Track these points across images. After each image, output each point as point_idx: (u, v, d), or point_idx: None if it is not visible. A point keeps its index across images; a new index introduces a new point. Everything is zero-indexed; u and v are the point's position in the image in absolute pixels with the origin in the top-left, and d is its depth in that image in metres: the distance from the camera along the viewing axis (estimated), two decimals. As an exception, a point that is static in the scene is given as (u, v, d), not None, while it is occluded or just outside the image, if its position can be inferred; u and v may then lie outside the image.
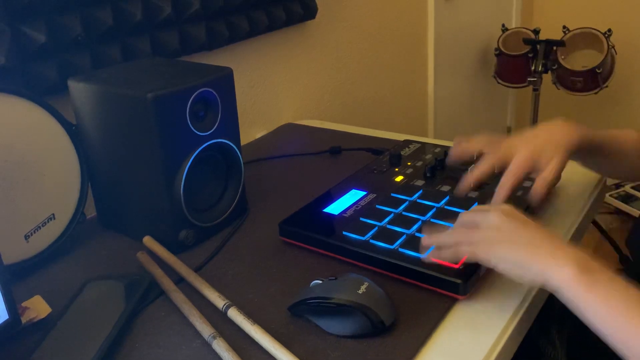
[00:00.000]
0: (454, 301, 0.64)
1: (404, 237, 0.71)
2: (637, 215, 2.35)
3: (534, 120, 2.29)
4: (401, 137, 1.12)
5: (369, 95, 1.65)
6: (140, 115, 0.71)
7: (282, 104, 1.34)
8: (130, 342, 0.62)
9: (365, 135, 1.17)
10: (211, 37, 1.09)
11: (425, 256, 0.65)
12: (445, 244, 0.63)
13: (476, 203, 0.77)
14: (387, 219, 0.75)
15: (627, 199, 2.36)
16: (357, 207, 0.80)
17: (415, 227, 0.73)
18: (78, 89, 0.78)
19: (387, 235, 0.71)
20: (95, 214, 0.88)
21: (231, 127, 0.81)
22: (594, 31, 2.15)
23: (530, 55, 2.18)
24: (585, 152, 0.75)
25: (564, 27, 2.20)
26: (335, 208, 0.80)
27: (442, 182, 0.85)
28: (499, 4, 2.42)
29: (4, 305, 0.60)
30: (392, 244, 0.70)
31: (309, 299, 0.62)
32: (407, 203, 0.80)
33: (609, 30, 2.14)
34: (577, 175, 0.90)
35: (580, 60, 2.19)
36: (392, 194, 0.82)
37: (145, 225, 0.79)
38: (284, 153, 1.09)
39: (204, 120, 0.77)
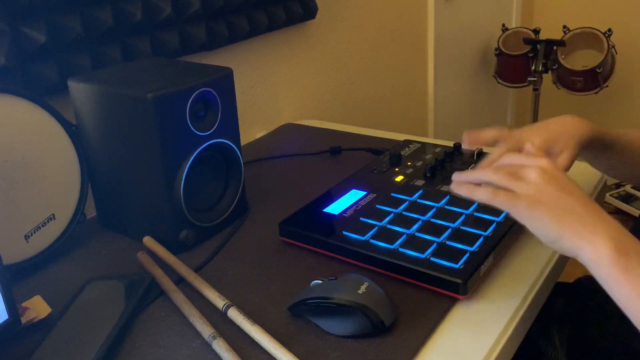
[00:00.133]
0: (454, 301, 0.64)
1: (404, 237, 0.71)
2: (637, 215, 2.35)
3: (534, 120, 2.28)
4: (401, 137, 1.12)
5: (369, 95, 1.65)
6: (140, 115, 0.71)
7: (282, 104, 1.34)
8: (131, 342, 0.62)
9: (365, 135, 1.17)
10: (211, 37, 1.09)
11: (457, 185, 0.61)
12: (485, 180, 0.59)
13: (476, 204, 0.77)
14: (387, 219, 0.75)
15: (627, 198, 2.36)
16: (357, 207, 0.80)
17: (415, 227, 0.73)
18: (78, 89, 0.78)
19: (387, 235, 0.71)
20: (95, 214, 0.88)
21: (231, 127, 0.81)
22: (594, 31, 2.15)
23: (530, 55, 2.17)
24: (595, 148, 0.74)
25: (564, 26, 2.20)
26: (335, 208, 0.80)
27: (442, 182, 0.85)
28: (499, 4, 2.42)
29: (4, 306, 0.60)
30: (392, 244, 0.70)
31: (309, 299, 0.62)
32: (407, 203, 0.80)
33: (609, 30, 2.14)
34: (577, 175, 0.90)
35: (581, 60, 2.19)
36: (392, 194, 0.82)
37: (145, 225, 0.79)
38: (284, 153, 1.09)
39: (204, 120, 0.77)
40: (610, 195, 2.38)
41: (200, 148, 0.76)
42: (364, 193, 0.84)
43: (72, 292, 0.68)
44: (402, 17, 1.72)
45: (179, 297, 0.66)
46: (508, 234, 0.72)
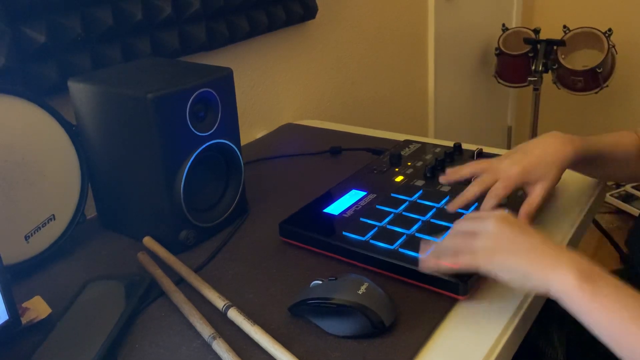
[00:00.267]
0: (454, 301, 0.64)
1: (404, 237, 0.71)
2: (637, 215, 2.35)
3: (535, 120, 2.28)
4: (401, 137, 1.12)
5: (369, 95, 1.65)
6: (141, 116, 0.71)
7: (282, 104, 1.34)
8: (131, 342, 0.62)
9: (365, 135, 1.17)
10: (211, 37, 1.09)
11: (423, 263, 0.64)
12: (444, 251, 0.62)
13: (476, 204, 0.77)
14: (387, 219, 0.76)
15: (627, 198, 2.36)
16: (357, 207, 0.80)
17: (415, 227, 0.73)
18: (78, 89, 0.78)
19: (387, 236, 0.71)
20: (96, 214, 0.88)
21: (231, 127, 0.81)
22: (594, 31, 2.15)
23: (530, 54, 2.17)
24: (582, 164, 0.75)
25: (565, 26, 2.20)
26: (335, 208, 0.80)
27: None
28: (499, 4, 2.41)
29: (4, 306, 0.60)
30: (392, 244, 0.70)
31: (309, 299, 0.62)
32: (407, 203, 0.80)
33: (610, 29, 2.14)
34: (578, 175, 0.90)
35: (581, 60, 2.19)
36: (392, 194, 0.82)
37: (146, 225, 0.79)
38: (284, 153, 1.09)
39: (204, 121, 0.77)
40: (610, 195, 2.38)
41: (200, 148, 0.76)
42: (364, 193, 0.84)
43: (72, 293, 0.68)
44: (402, 17, 1.72)
45: (179, 298, 0.66)
46: (508, 234, 0.72)
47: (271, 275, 0.71)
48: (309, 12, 1.32)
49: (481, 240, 0.59)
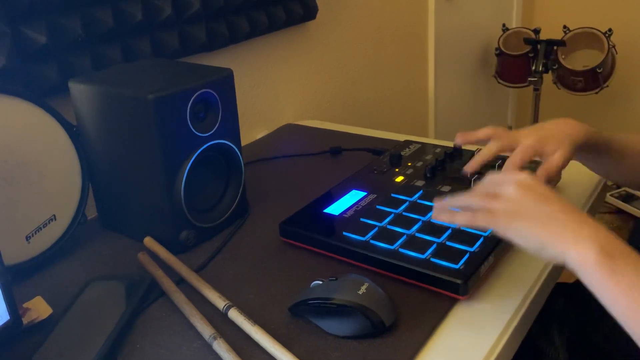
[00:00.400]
0: (454, 301, 0.64)
1: (404, 237, 0.71)
2: (638, 215, 2.35)
3: (535, 120, 2.28)
4: (401, 137, 1.12)
5: (370, 96, 1.65)
6: (141, 116, 0.71)
7: (282, 104, 1.34)
8: (131, 342, 0.62)
9: (365, 136, 1.17)
10: (211, 38, 1.09)
11: (437, 212, 0.62)
12: (463, 206, 0.61)
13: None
14: (387, 220, 0.76)
15: (628, 198, 2.36)
16: (357, 207, 0.80)
17: (415, 227, 0.73)
18: (79, 89, 0.78)
19: (387, 236, 0.72)
20: (96, 214, 0.88)
21: (232, 127, 0.81)
22: (594, 31, 2.15)
23: (530, 55, 2.17)
24: (590, 150, 0.75)
25: (565, 26, 2.20)
26: (335, 208, 0.80)
27: (443, 182, 0.86)
28: (499, 4, 2.42)
29: (5, 306, 0.60)
30: (392, 245, 0.70)
31: (309, 299, 0.62)
32: (407, 203, 0.80)
33: (610, 29, 2.14)
34: (578, 175, 0.90)
35: (581, 60, 2.19)
36: (393, 195, 0.83)
37: (146, 225, 0.79)
38: (284, 153, 1.09)
39: (204, 121, 0.77)
40: (610, 195, 2.38)
41: (200, 149, 0.76)
42: (364, 193, 0.84)
43: (73, 293, 0.68)
44: (402, 17, 1.72)
45: (179, 298, 0.66)
46: (508, 234, 0.72)
47: (271, 276, 0.71)
48: (309, 12, 1.32)
49: (502, 203, 0.58)
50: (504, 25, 2.30)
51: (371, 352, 0.58)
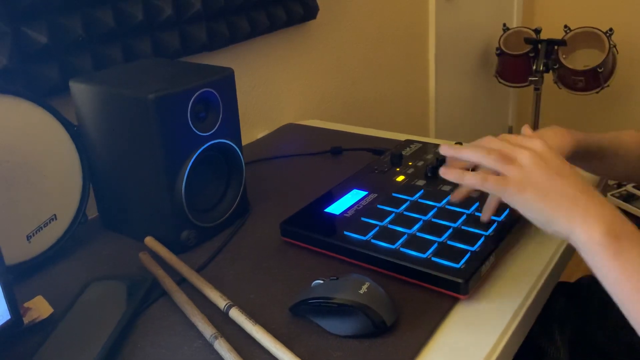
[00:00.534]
0: (455, 301, 0.64)
1: (405, 236, 0.71)
2: (638, 215, 2.35)
3: (536, 120, 2.28)
4: (402, 137, 1.12)
5: (370, 95, 1.65)
6: (142, 116, 0.71)
7: (283, 104, 1.34)
8: (132, 342, 0.62)
9: (366, 135, 1.17)
10: (212, 38, 1.09)
11: (445, 169, 0.61)
12: (476, 160, 0.59)
13: (477, 203, 0.77)
14: (388, 219, 0.76)
15: (628, 198, 2.36)
16: (358, 207, 0.80)
17: (416, 226, 0.73)
18: (79, 89, 0.78)
19: (388, 235, 0.72)
20: (97, 214, 0.88)
21: (232, 127, 0.81)
22: (595, 30, 2.15)
23: (531, 54, 2.17)
24: (582, 157, 0.75)
25: (565, 26, 2.20)
26: (336, 208, 0.80)
27: (443, 181, 0.85)
28: (500, 4, 2.42)
29: (6, 306, 0.60)
30: (393, 244, 0.70)
31: (310, 299, 0.62)
32: (408, 203, 0.80)
33: (610, 29, 2.14)
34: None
35: (582, 60, 2.19)
36: (393, 194, 0.83)
37: (147, 225, 0.79)
38: (285, 153, 1.09)
39: (205, 121, 0.77)
40: (611, 195, 2.38)
41: (201, 148, 0.76)
42: (365, 193, 0.84)
43: (74, 293, 0.68)
44: (403, 17, 1.72)
45: (180, 298, 0.66)
46: (509, 233, 0.72)
47: (272, 275, 0.71)
48: (310, 12, 1.32)
49: (515, 170, 0.56)
50: (504, 24, 2.30)
51: (372, 351, 0.58)
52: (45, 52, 0.84)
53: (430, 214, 0.76)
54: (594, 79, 2.13)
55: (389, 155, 0.96)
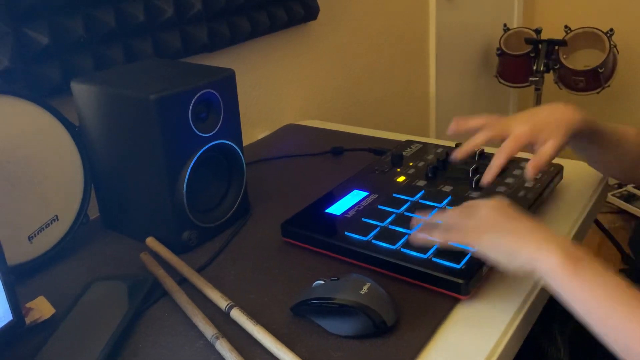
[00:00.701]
0: (456, 301, 0.64)
1: (406, 237, 0.71)
2: (639, 215, 2.34)
3: (536, 120, 2.28)
4: (403, 137, 1.12)
5: (371, 96, 1.65)
6: (143, 117, 0.72)
7: (284, 104, 1.35)
8: (134, 342, 0.62)
9: (367, 136, 1.17)
10: (213, 38, 1.09)
11: (412, 236, 0.67)
12: (435, 226, 0.65)
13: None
14: (389, 219, 0.76)
15: (629, 198, 2.36)
16: (359, 207, 0.80)
17: (416, 227, 0.73)
18: (81, 90, 0.78)
19: (389, 236, 0.72)
20: (98, 215, 0.88)
21: (233, 128, 0.81)
22: (595, 31, 2.15)
23: (532, 55, 2.17)
24: (585, 138, 0.75)
25: (566, 26, 2.20)
26: (337, 208, 0.80)
27: (444, 182, 0.86)
28: (500, 4, 2.42)
29: (8, 306, 0.60)
30: (394, 244, 0.70)
31: (311, 299, 0.62)
32: (409, 203, 0.80)
33: (611, 29, 2.14)
34: (579, 174, 0.90)
35: (582, 60, 2.19)
36: (394, 195, 0.83)
37: (148, 226, 0.79)
38: (286, 154, 1.10)
39: (206, 122, 0.77)
40: (612, 195, 2.38)
41: (202, 149, 0.76)
42: (366, 193, 0.84)
43: (75, 293, 0.68)
44: (403, 17, 1.72)
45: (181, 298, 0.66)
46: (510, 234, 0.72)
47: (273, 276, 0.72)
48: (311, 12, 1.32)
49: (473, 221, 0.62)
50: (505, 25, 2.30)
51: (373, 351, 0.58)
52: (47, 52, 0.84)
53: (431, 214, 0.76)
54: (594, 79, 2.13)
55: (389, 155, 0.96)
